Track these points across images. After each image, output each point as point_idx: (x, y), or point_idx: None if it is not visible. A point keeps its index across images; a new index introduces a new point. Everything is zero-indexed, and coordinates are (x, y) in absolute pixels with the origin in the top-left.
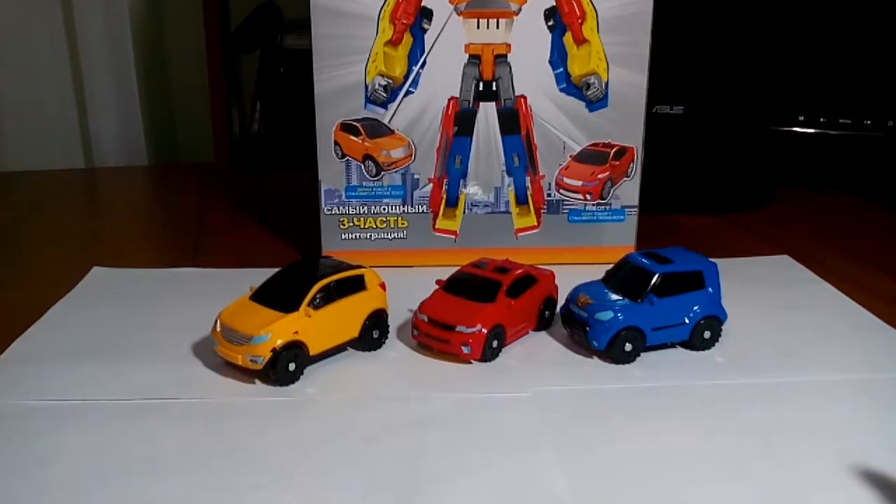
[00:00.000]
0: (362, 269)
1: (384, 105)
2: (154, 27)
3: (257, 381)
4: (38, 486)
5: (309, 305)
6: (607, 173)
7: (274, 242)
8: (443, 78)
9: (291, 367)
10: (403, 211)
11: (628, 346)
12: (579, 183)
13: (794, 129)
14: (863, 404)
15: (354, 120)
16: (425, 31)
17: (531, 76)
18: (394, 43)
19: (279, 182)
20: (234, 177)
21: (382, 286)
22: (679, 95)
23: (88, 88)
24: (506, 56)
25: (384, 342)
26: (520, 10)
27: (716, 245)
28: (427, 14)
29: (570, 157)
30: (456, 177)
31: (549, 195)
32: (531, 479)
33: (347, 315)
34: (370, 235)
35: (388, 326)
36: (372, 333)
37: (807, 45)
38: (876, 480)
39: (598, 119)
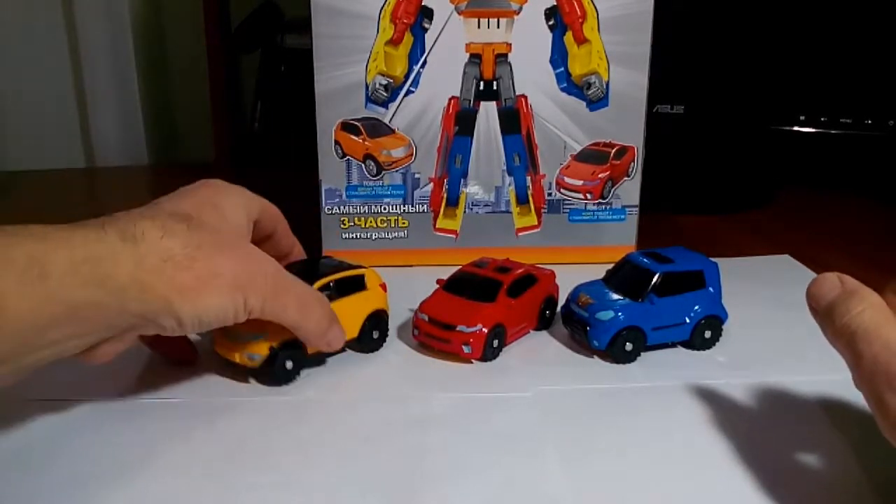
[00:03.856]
0: (363, 269)
1: (385, 104)
2: (154, 27)
3: (252, 380)
4: (38, 486)
5: None
6: (608, 173)
7: None
8: (443, 77)
9: (289, 365)
10: (404, 210)
11: (629, 346)
12: (580, 182)
13: (795, 128)
14: (864, 403)
15: (355, 119)
16: (426, 30)
17: (532, 76)
18: (394, 42)
19: (280, 181)
20: (234, 176)
21: (383, 287)
22: (680, 95)
23: (88, 88)
24: (506, 55)
25: (383, 343)
26: (520, 9)
27: (716, 245)
28: (428, 13)
29: (571, 156)
30: (456, 176)
31: (549, 195)
32: (531, 479)
33: (346, 315)
34: (371, 235)
35: (387, 328)
36: (371, 334)
37: (807, 44)
38: (877, 478)
39: (598, 118)
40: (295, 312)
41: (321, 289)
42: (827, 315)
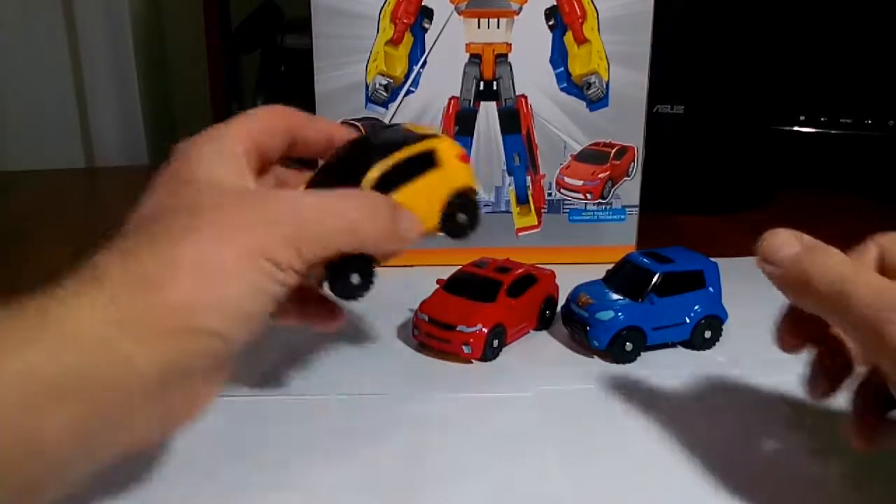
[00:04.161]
0: (432, 141)
1: (385, 105)
2: (154, 27)
3: (252, 378)
4: None
5: None
6: (608, 173)
7: None
8: (443, 77)
9: (355, 279)
10: None
11: (629, 346)
12: (580, 182)
13: (795, 128)
14: None
15: (355, 119)
16: (426, 30)
17: (532, 76)
18: (394, 42)
19: None
20: None
21: (463, 158)
22: (680, 95)
23: (88, 88)
24: (506, 55)
25: (474, 230)
26: (520, 9)
27: (716, 245)
28: (428, 13)
29: (571, 156)
30: None
31: (549, 195)
32: (531, 479)
33: (417, 202)
34: None
35: (477, 209)
36: (456, 218)
37: (807, 44)
38: (881, 476)
39: (598, 118)
40: (343, 236)
41: (376, 182)
42: (794, 265)
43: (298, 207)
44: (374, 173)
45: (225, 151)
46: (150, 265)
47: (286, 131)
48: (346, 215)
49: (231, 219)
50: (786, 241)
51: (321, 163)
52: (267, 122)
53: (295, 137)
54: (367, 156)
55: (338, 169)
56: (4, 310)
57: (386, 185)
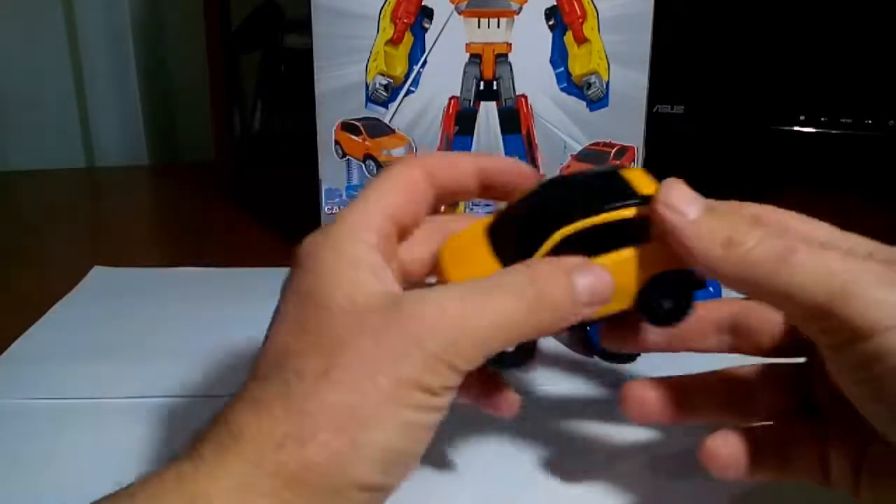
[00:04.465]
0: (648, 207)
1: (385, 104)
2: (154, 27)
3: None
4: (37, 486)
5: None
6: None
7: (274, 242)
8: (443, 77)
9: (511, 359)
10: None
11: None
12: None
13: (795, 128)
14: None
15: (355, 119)
16: (426, 30)
17: (532, 75)
18: (394, 42)
19: (280, 181)
20: (234, 176)
21: None
22: (680, 95)
23: (89, 88)
24: (506, 55)
25: (684, 316)
26: (520, 9)
27: None
28: (428, 13)
29: (571, 156)
30: None
31: None
32: (531, 480)
33: (614, 277)
34: None
35: (689, 295)
36: (660, 303)
37: (807, 44)
38: None
39: (598, 118)
40: (502, 335)
41: (559, 243)
42: (712, 219)
43: (444, 316)
44: (559, 234)
45: (354, 251)
46: (283, 421)
47: (427, 191)
48: (500, 310)
49: (370, 351)
50: (693, 195)
51: (505, 205)
52: (403, 194)
53: (439, 191)
54: (559, 209)
55: (521, 221)
56: (140, 486)
57: (573, 251)
